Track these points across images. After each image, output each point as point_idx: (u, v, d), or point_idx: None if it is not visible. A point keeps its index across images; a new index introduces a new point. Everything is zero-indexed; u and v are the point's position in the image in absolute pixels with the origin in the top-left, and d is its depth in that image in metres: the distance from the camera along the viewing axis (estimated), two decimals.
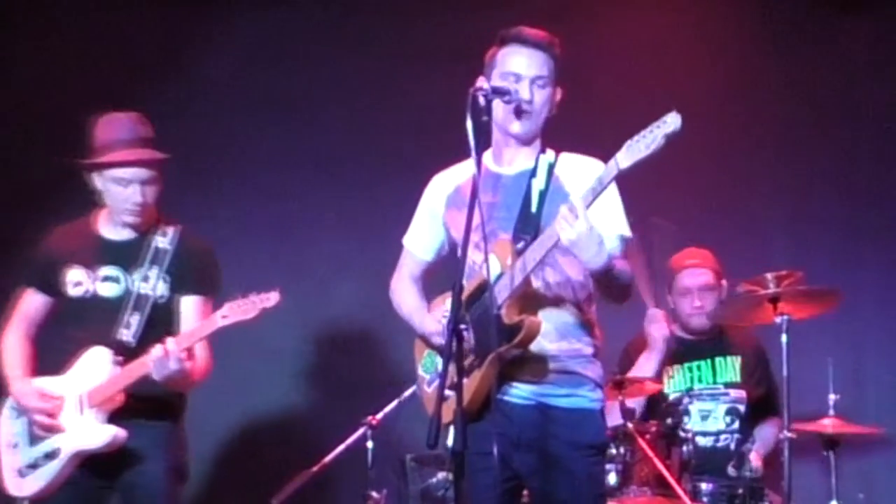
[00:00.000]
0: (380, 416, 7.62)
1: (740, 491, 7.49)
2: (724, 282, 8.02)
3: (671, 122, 5.14)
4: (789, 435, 7.33)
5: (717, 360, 8.01)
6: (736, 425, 7.72)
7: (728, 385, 7.94)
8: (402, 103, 8.16)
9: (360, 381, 8.50)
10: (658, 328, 7.90)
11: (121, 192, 6.47)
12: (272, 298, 6.28)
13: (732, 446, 7.73)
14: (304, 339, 8.18)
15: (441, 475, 7.54)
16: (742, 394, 7.82)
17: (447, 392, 5.21)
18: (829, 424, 7.56)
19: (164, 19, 8.65)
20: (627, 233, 5.72)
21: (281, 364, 8.21)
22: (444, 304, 5.70)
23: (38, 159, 8.16)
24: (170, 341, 6.23)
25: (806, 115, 9.02)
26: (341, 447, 7.64)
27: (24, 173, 8.36)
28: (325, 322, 8.40)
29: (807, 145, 9.04)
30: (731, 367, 8.00)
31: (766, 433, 7.97)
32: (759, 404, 8.02)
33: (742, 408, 7.80)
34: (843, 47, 9.06)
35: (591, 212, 5.30)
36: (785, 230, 8.92)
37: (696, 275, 7.94)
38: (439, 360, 5.77)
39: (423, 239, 6.02)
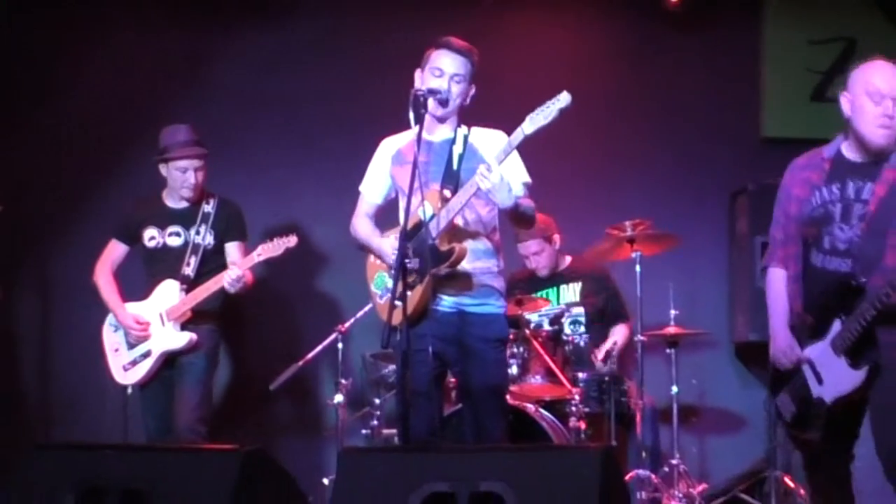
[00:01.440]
0: (347, 324, 7.66)
1: (606, 378, 7.47)
2: (556, 236, 7.98)
3: (563, 99, 5.39)
4: (642, 338, 7.60)
5: (560, 287, 8.00)
6: (581, 330, 7.51)
7: (568, 304, 7.79)
8: (366, 98, 8.08)
9: (332, 299, 8.52)
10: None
11: (180, 177, 7.11)
12: (292, 241, 6.97)
13: (582, 344, 7.54)
14: (291, 270, 8.24)
15: (391, 367, 7.48)
16: (581, 309, 7.61)
17: (394, 303, 5.37)
18: (670, 330, 7.79)
19: (188, 41, 8.59)
20: (528, 180, 5.89)
21: (274, 284, 8.29)
22: (392, 235, 5.87)
23: (99, 154, 8.34)
24: (234, 268, 6.94)
25: (653, 105, 9.08)
26: (319, 347, 7.67)
27: (89, 164, 8.37)
28: (307, 257, 8.34)
29: (655, 127, 9.08)
30: (571, 292, 7.97)
31: (616, 332, 8.02)
32: (604, 313, 8.03)
33: (583, 318, 7.58)
34: (678, 58, 9.09)
35: (502, 167, 5.54)
36: (639, 188, 8.90)
37: (526, 245, 7.90)
38: (387, 279, 6.01)
39: (374, 186, 6.14)
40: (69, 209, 8.34)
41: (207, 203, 7.21)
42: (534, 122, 5.44)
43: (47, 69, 8.37)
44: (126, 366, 7.14)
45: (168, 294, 7.09)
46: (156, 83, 8.44)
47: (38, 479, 4.74)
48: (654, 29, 9.06)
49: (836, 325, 5.06)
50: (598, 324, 7.96)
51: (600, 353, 7.74)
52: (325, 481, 7.55)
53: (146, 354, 7.08)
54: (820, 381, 5.14)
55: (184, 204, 7.20)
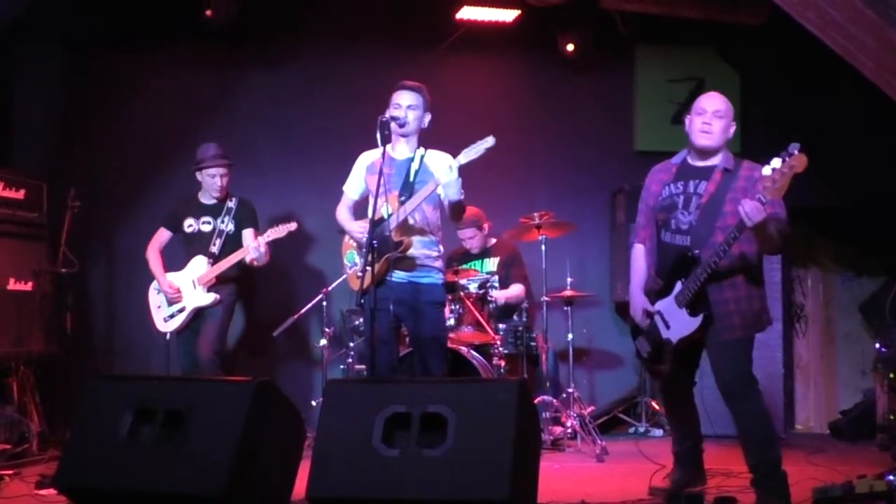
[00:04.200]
0: (329, 288, 7.63)
1: (520, 329, 7.50)
2: (486, 224, 7.90)
3: (489, 141, 5.50)
4: (546, 299, 7.55)
5: (484, 261, 7.93)
6: (496, 292, 7.55)
7: (488, 273, 7.79)
8: (345, 123, 7.92)
9: (320, 269, 8.41)
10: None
11: (210, 181, 7.25)
12: (292, 225, 7.07)
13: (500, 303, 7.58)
14: (288, 249, 8.19)
15: (360, 319, 7.41)
16: (496, 277, 7.72)
17: (361, 274, 5.42)
18: (567, 293, 7.74)
19: (214, 78, 8.46)
20: (462, 195, 5.76)
21: (280, 259, 8.20)
22: (362, 222, 5.90)
23: (152, 162, 8.34)
24: (250, 245, 7.05)
25: (555, 125, 9.03)
26: (309, 305, 7.63)
27: (140, 176, 8.36)
28: (301, 240, 8.31)
29: (556, 142, 9.00)
30: (491, 264, 7.90)
31: (511, 287, 7.75)
32: (507, 277, 7.83)
33: (497, 284, 7.68)
34: (573, 91, 9.06)
35: (446, 179, 5.61)
36: (544, 187, 8.92)
37: (463, 232, 7.81)
38: (356, 256, 6.17)
39: (353, 187, 6.11)
40: (129, 203, 8.29)
41: (230, 201, 7.27)
42: (466, 155, 5.53)
43: (114, 98, 8.31)
44: (166, 318, 7.18)
45: (198, 266, 7.13)
46: (190, 109, 8.39)
47: (103, 403, 4.77)
48: (555, 70, 9.02)
49: (679, 286, 5.15)
50: (506, 285, 7.82)
51: (501, 298, 7.62)
52: (314, 403, 7.49)
53: (181, 310, 7.13)
54: (668, 326, 5.22)
55: (213, 201, 7.28)
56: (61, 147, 8.17)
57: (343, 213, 6.14)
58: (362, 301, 5.40)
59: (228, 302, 7.19)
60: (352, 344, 7.65)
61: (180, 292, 7.14)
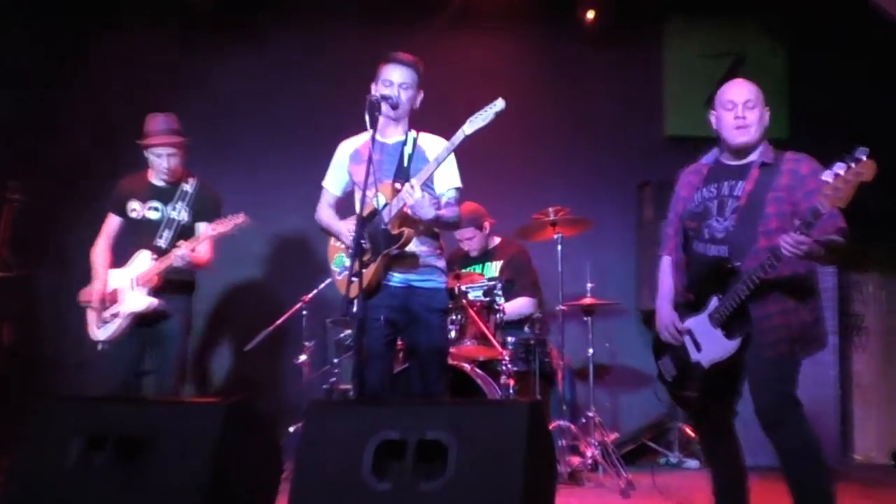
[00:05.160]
0: (311, 295, 7.66)
1: (532, 342, 7.53)
2: (486, 223, 7.98)
3: (498, 104, 5.44)
4: (562, 308, 7.57)
5: (486, 265, 8.00)
6: (501, 301, 7.41)
7: (490, 279, 7.70)
8: (330, 102, 7.98)
9: (299, 273, 8.43)
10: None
11: (157, 161, 6.86)
12: (240, 217, 6.60)
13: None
14: (267, 247, 8.21)
15: (348, 332, 7.53)
16: (499, 283, 7.50)
17: (353, 279, 5.26)
18: (587, 301, 7.77)
19: (187, 55, 8.58)
20: (459, 185, 5.94)
21: (253, 262, 8.03)
22: (349, 221, 5.88)
23: (114, 155, 8.20)
24: (183, 244, 6.61)
25: (572, 108, 9.17)
26: (287, 314, 7.66)
27: (99, 150, 8.38)
28: (279, 238, 8.36)
29: (574, 127, 9.16)
30: (493, 269, 7.95)
31: (515, 303, 7.79)
32: (513, 284, 7.88)
33: (500, 291, 7.45)
34: (593, 68, 9.17)
35: (438, 173, 5.68)
36: (561, 179, 8.93)
37: (461, 232, 7.80)
38: (346, 259, 6.01)
39: (334, 181, 6.12)
40: (85, 196, 8.16)
41: (187, 183, 6.93)
42: (473, 123, 5.47)
43: (67, 76, 8.39)
44: (99, 324, 6.85)
45: (141, 262, 6.80)
46: (157, 91, 8.35)
47: (52, 426, 4.73)
48: (572, 44, 9.10)
49: (714, 302, 5.09)
50: (512, 293, 7.84)
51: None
52: (292, 429, 7.48)
53: (115, 315, 6.78)
54: (698, 348, 5.18)
55: (164, 183, 6.93)
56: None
57: (325, 213, 6.17)
58: (351, 309, 5.35)
59: (181, 316, 6.92)
60: (336, 360, 7.66)
61: (106, 300, 6.83)
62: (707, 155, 5.46)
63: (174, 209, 6.87)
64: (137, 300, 6.75)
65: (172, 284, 6.81)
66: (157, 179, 6.94)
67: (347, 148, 6.10)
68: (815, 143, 4.87)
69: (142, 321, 6.80)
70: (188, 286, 6.96)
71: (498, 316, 7.48)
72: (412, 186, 5.52)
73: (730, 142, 5.27)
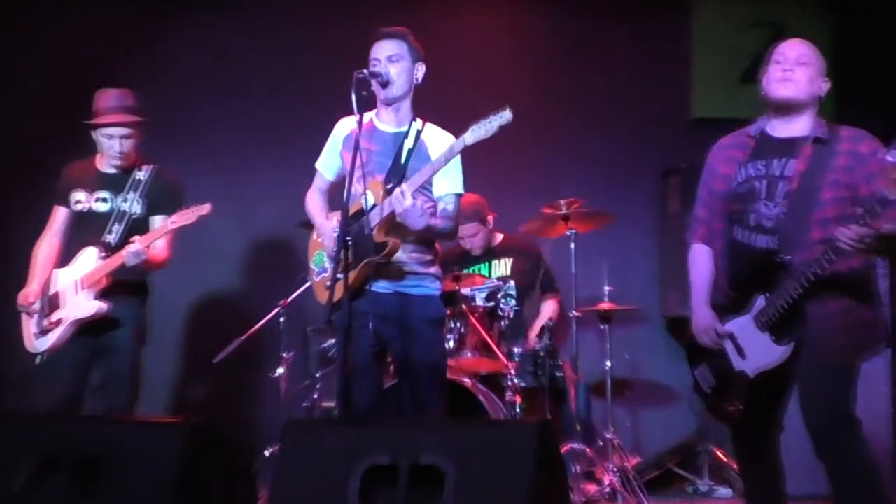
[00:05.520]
0: (289, 299, 7.63)
1: (541, 353, 7.47)
2: (489, 217, 7.99)
3: (504, 116, 5.29)
4: (576, 314, 7.62)
5: (492, 263, 8.01)
6: (512, 303, 7.41)
7: (499, 278, 7.74)
8: (312, 85, 8.11)
9: (276, 274, 8.30)
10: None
11: (107, 144, 6.67)
12: (205, 208, 6.41)
13: (512, 316, 7.47)
14: (238, 243, 8.17)
15: (331, 341, 7.50)
16: (511, 283, 7.51)
17: (330, 283, 5.28)
18: (604, 306, 7.78)
19: (140, 21, 8.57)
20: (461, 191, 5.88)
21: (221, 261, 7.97)
22: (334, 218, 5.80)
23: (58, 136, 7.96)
24: (137, 239, 6.42)
25: (586, 87, 9.13)
26: (262, 321, 7.62)
27: (44, 130, 8.25)
28: (253, 232, 8.30)
29: (588, 108, 9.14)
30: (501, 267, 7.97)
31: (546, 308, 8.01)
32: (535, 286, 8.00)
33: (513, 292, 7.47)
34: (610, 41, 9.16)
35: (438, 174, 5.60)
36: (573, 168, 8.98)
37: (462, 228, 7.47)
38: (325, 259, 6.05)
39: (327, 164, 6.06)
40: (29, 186, 8.05)
41: (141, 170, 6.76)
42: (475, 134, 5.35)
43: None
44: (37, 333, 6.70)
45: (87, 261, 6.63)
46: (111, 63, 8.28)
47: None
48: (586, 14, 9.10)
49: (760, 301, 5.04)
50: (530, 297, 7.96)
51: (533, 331, 7.74)
52: (267, 453, 7.46)
53: (57, 322, 6.63)
54: (742, 355, 5.13)
55: (115, 170, 6.76)
56: None
57: (314, 201, 6.15)
58: (333, 318, 5.35)
59: (134, 324, 6.76)
60: (318, 374, 7.66)
61: (57, 301, 6.68)
62: (752, 125, 5.36)
63: (125, 200, 6.71)
64: (82, 305, 6.59)
65: (123, 287, 6.65)
66: (106, 166, 6.78)
67: (344, 127, 6.03)
68: (864, 125, 4.84)
69: (88, 329, 6.63)
70: (142, 288, 6.83)
71: (503, 323, 7.48)
72: (402, 193, 5.46)
73: (771, 95, 5.20)
